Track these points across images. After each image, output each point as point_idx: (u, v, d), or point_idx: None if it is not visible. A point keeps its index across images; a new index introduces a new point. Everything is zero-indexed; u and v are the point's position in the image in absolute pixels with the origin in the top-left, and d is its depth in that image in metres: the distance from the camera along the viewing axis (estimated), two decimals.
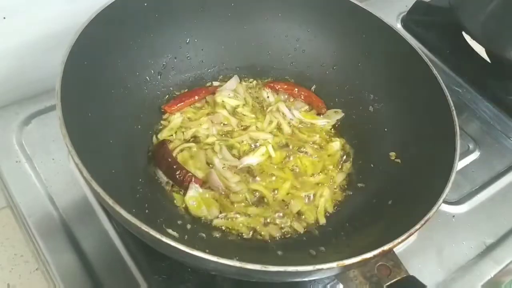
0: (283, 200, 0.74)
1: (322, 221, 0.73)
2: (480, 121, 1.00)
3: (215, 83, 0.88)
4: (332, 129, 0.86)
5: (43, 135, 0.81)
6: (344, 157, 0.82)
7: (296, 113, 0.86)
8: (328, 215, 0.74)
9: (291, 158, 0.80)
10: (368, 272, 0.54)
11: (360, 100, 0.85)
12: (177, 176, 0.72)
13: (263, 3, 0.86)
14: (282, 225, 0.71)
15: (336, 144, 0.82)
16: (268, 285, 0.69)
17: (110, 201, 0.50)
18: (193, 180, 0.71)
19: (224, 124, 0.82)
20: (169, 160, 0.73)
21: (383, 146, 0.78)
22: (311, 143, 0.82)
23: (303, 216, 0.73)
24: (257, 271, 0.47)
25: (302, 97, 0.88)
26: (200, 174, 0.74)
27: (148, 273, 0.68)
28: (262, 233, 0.70)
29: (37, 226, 0.70)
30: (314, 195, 0.76)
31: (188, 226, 0.68)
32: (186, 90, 0.85)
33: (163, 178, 0.73)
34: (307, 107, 0.88)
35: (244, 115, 0.84)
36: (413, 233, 0.54)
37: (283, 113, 0.86)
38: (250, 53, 0.89)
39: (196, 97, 0.84)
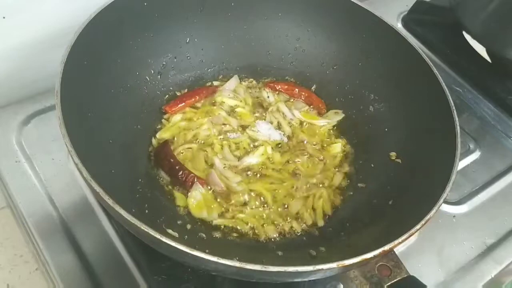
0: (282, 201, 0.74)
1: (320, 223, 0.73)
2: (480, 121, 1.00)
3: (215, 83, 0.88)
4: (332, 130, 0.86)
5: (42, 135, 0.81)
6: (344, 157, 0.82)
7: (296, 113, 0.86)
8: (327, 216, 0.74)
9: (292, 159, 0.80)
10: (368, 272, 0.54)
11: (360, 100, 0.85)
12: (180, 176, 0.72)
13: (263, 3, 0.86)
14: (281, 226, 0.71)
15: (338, 146, 0.82)
16: (268, 285, 0.69)
17: (110, 201, 0.50)
18: (196, 181, 0.71)
19: (224, 124, 0.82)
20: (172, 160, 0.73)
21: (383, 146, 0.78)
22: (313, 143, 0.82)
23: (301, 218, 0.73)
24: (257, 271, 0.47)
25: (303, 98, 0.88)
26: (200, 175, 0.74)
27: (148, 273, 0.68)
28: (257, 232, 0.70)
29: (37, 226, 0.70)
30: (313, 196, 0.75)
31: (188, 226, 0.68)
32: (186, 90, 0.85)
33: (165, 178, 0.73)
34: (307, 107, 0.88)
35: (244, 115, 0.84)
36: (413, 233, 0.54)
37: (283, 113, 0.86)
38: (250, 53, 0.89)
39: (197, 97, 0.84)
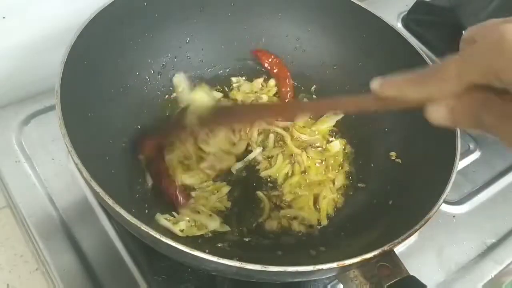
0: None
1: (324, 222, 0.73)
2: None
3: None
4: (333, 130, 0.85)
5: (42, 135, 0.81)
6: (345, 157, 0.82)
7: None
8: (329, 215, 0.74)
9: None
10: (368, 272, 0.54)
11: None
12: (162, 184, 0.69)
13: (263, 3, 0.86)
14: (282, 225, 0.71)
15: (336, 144, 0.82)
16: (268, 285, 0.69)
17: (110, 201, 0.50)
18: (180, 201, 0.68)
19: None
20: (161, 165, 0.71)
21: (383, 146, 0.78)
22: (314, 145, 0.82)
23: (305, 219, 0.73)
24: (257, 271, 0.47)
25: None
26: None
27: (148, 273, 0.68)
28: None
29: (37, 226, 0.70)
30: (317, 196, 0.75)
31: None
32: None
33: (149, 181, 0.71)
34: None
35: None
36: (413, 233, 0.54)
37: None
38: (250, 53, 0.89)
39: None
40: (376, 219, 0.68)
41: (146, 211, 0.65)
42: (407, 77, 0.41)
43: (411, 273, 0.55)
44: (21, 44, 0.82)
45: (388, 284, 0.53)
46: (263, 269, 0.47)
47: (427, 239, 0.78)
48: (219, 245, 0.66)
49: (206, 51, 0.86)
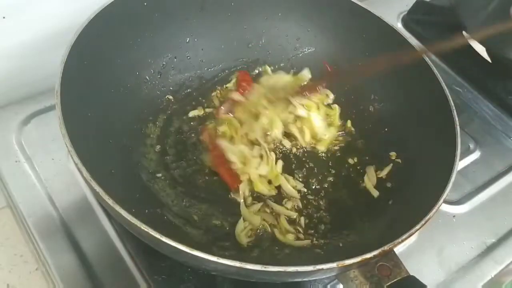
0: None
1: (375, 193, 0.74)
2: (480, 121, 1.00)
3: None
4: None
5: (42, 135, 0.80)
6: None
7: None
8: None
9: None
10: (368, 272, 0.54)
11: (360, 100, 0.85)
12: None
13: (263, 3, 0.86)
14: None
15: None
16: (268, 285, 0.69)
17: (110, 201, 0.50)
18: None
19: None
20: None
21: (383, 146, 0.78)
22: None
23: None
24: (257, 271, 0.47)
25: None
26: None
27: (148, 273, 0.68)
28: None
29: (37, 226, 0.70)
30: None
31: None
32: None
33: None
34: None
35: None
36: (413, 233, 0.54)
37: None
38: (250, 53, 0.89)
39: None
40: (376, 219, 0.68)
41: (146, 211, 0.65)
42: None
43: (411, 273, 0.55)
44: (21, 44, 0.82)
45: (388, 284, 0.53)
46: (263, 269, 0.47)
47: (427, 239, 0.78)
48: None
49: (206, 51, 0.86)
